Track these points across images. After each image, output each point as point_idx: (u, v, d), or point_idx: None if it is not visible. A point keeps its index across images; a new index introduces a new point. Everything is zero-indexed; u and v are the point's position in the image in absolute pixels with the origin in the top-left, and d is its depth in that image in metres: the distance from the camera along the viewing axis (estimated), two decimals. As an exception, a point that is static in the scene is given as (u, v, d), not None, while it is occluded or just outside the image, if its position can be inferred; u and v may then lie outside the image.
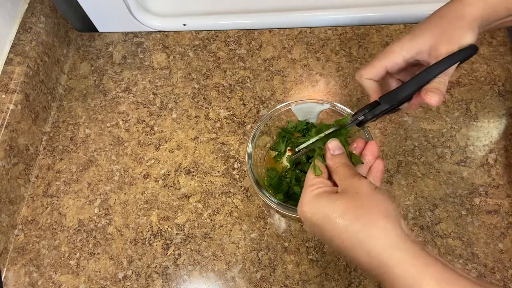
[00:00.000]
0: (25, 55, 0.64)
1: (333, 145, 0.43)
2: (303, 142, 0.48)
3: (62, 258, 0.58)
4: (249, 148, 0.54)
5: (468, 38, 0.41)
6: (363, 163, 0.43)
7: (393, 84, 0.48)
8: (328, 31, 0.73)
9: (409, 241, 0.34)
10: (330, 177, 0.42)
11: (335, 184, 0.41)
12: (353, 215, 0.36)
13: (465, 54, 0.40)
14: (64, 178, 0.64)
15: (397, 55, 0.44)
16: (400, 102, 0.43)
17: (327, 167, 0.43)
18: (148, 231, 0.59)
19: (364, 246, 0.35)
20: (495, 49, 0.67)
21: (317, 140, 0.47)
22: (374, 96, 0.46)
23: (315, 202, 0.39)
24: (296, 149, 0.48)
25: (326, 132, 0.46)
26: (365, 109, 0.44)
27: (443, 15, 0.43)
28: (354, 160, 0.43)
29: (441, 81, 0.41)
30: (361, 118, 0.45)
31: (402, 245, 0.34)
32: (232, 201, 0.60)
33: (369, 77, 0.46)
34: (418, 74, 0.42)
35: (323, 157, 0.44)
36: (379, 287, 0.53)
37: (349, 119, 0.46)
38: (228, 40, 0.74)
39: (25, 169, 0.63)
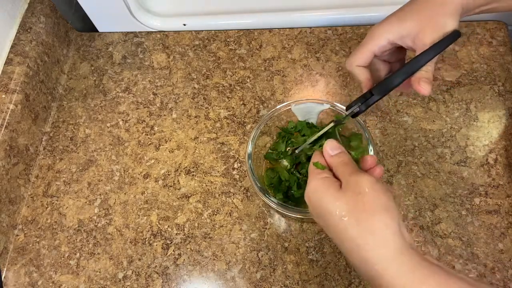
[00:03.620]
0: (25, 55, 0.64)
1: (330, 146, 0.43)
2: (302, 142, 0.48)
3: (62, 258, 0.58)
4: (249, 148, 0.54)
5: (450, 25, 0.42)
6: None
7: (380, 66, 0.48)
8: (328, 31, 0.73)
9: (408, 253, 0.34)
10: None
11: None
12: (354, 219, 0.36)
13: (449, 40, 0.42)
14: (64, 178, 0.64)
15: (383, 38, 0.45)
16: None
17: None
18: (148, 231, 0.59)
19: (362, 254, 0.35)
20: (495, 49, 0.67)
21: (314, 140, 0.47)
22: (366, 83, 0.46)
23: (321, 194, 0.39)
24: (297, 151, 0.49)
25: (323, 131, 0.47)
26: (359, 101, 0.45)
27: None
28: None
29: (429, 70, 0.42)
30: (356, 110, 0.45)
31: (398, 259, 0.34)
32: (232, 201, 0.60)
33: (359, 63, 0.46)
34: (407, 63, 0.43)
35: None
36: None
37: (343, 115, 0.47)
38: (228, 40, 0.74)
39: (25, 169, 0.63)
